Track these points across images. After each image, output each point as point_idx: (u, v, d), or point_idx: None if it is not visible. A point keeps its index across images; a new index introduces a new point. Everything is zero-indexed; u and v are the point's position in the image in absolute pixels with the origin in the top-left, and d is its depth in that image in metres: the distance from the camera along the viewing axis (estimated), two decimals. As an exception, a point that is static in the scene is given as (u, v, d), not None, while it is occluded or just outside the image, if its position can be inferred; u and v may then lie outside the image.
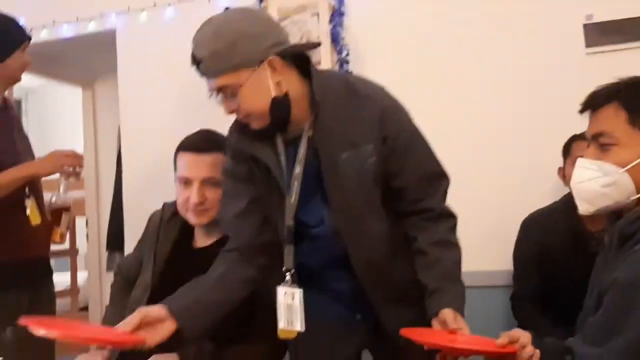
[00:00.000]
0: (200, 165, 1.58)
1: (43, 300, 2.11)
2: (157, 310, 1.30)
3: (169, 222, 1.72)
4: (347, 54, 2.42)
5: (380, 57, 2.44)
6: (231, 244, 1.45)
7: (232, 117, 1.41)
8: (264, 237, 1.44)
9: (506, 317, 2.17)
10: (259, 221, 1.44)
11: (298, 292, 1.34)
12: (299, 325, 1.33)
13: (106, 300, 3.27)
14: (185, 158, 1.61)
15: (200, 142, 1.61)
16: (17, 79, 2.14)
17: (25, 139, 2.17)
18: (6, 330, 1.92)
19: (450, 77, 2.36)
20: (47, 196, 2.14)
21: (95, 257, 3.84)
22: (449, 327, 1.21)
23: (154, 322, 1.28)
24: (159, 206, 1.81)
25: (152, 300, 1.60)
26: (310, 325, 1.34)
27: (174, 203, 1.74)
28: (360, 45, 2.45)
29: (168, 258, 1.67)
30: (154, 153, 2.71)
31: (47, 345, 2.09)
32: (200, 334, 1.37)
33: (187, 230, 1.70)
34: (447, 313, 1.23)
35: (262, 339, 1.50)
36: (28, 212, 2.03)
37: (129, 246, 2.77)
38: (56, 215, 2.11)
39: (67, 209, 2.17)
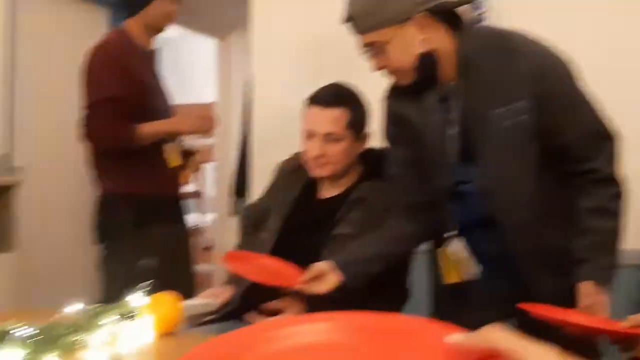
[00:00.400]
0: (323, 119, 1.61)
1: (179, 236, 2.32)
2: (324, 264, 1.42)
3: (297, 171, 1.78)
4: (485, 11, 2.31)
5: (522, 14, 2.30)
6: (393, 203, 1.52)
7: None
8: (423, 196, 1.46)
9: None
10: (419, 181, 1.47)
11: (463, 244, 1.37)
12: (467, 276, 1.39)
13: (229, 241, 3.48)
14: (311, 111, 1.65)
15: (327, 97, 1.64)
16: (161, 29, 2.27)
17: (163, 82, 2.35)
18: (146, 261, 2.13)
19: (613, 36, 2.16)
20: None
21: (221, 201, 4.06)
22: (582, 303, 1.17)
23: (320, 274, 1.41)
24: (285, 156, 1.87)
25: (278, 244, 1.68)
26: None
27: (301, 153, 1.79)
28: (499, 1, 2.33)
29: (295, 205, 1.73)
30: (283, 104, 2.78)
31: (186, 277, 2.31)
32: (362, 287, 1.46)
33: (314, 179, 1.75)
34: (586, 286, 1.18)
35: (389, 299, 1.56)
36: (166, 154, 2.21)
37: (254, 193, 2.89)
38: (185, 157, 2.30)
39: (194, 152, 2.36)
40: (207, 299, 1.73)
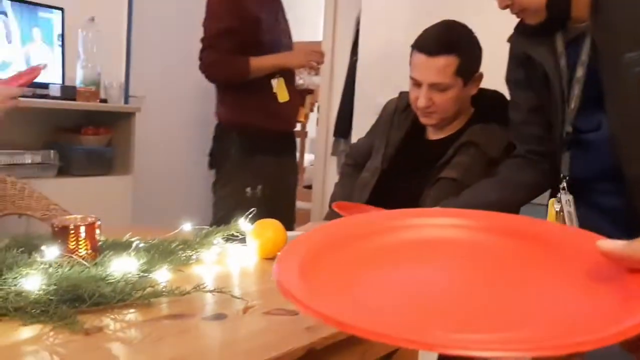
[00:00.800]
0: (429, 69, 1.54)
1: (287, 170, 2.41)
2: None
3: (403, 111, 1.74)
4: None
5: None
6: (516, 150, 1.47)
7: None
8: (544, 144, 1.40)
9: None
10: (540, 128, 1.40)
11: (572, 199, 1.30)
12: None
13: (328, 181, 3.53)
14: (417, 59, 1.57)
15: (434, 44, 1.55)
16: None
17: (286, 22, 2.38)
18: (257, 188, 2.25)
19: None
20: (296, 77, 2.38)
21: (322, 141, 4.09)
22: None
23: None
24: (390, 96, 1.83)
25: (380, 183, 1.68)
26: None
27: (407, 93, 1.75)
28: None
29: (400, 145, 1.70)
30: (390, 44, 2.72)
31: (288, 210, 2.44)
32: None
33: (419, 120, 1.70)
34: None
35: None
36: (275, 89, 2.26)
37: (356, 133, 2.89)
38: (301, 96, 2.36)
39: (311, 91, 2.40)
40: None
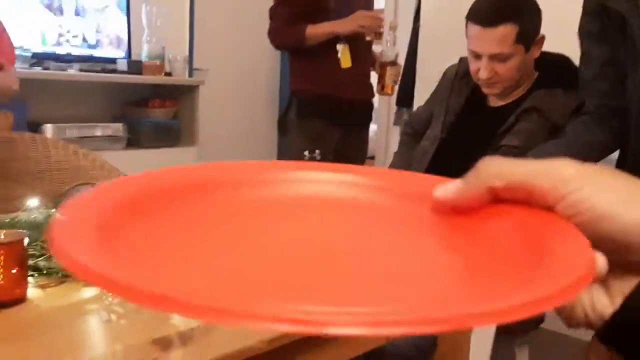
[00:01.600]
0: (487, 41, 1.48)
1: (352, 140, 2.41)
2: None
3: (463, 78, 1.69)
4: None
5: None
6: (584, 107, 1.40)
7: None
8: (619, 100, 1.33)
9: None
10: (612, 83, 1.32)
11: None
12: None
13: (390, 151, 3.49)
14: (473, 31, 1.50)
15: (490, 14, 1.48)
16: None
17: None
18: (314, 153, 2.28)
19: None
20: (378, 49, 2.39)
21: (384, 111, 4.05)
22: None
23: None
24: (453, 63, 1.78)
25: (439, 152, 1.65)
26: None
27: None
28: None
29: (460, 112, 1.66)
30: (453, 12, 2.64)
31: None
32: None
33: (481, 87, 1.65)
34: None
35: None
36: (339, 55, 2.26)
37: (418, 102, 2.84)
38: (382, 68, 2.35)
39: (392, 63, 2.37)
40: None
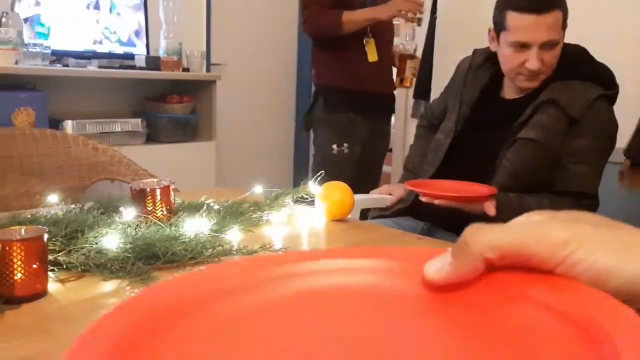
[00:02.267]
0: (540, 28, 1.44)
1: (378, 133, 2.44)
2: None
3: (478, 69, 1.68)
4: None
5: None
6: None
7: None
8: None
9: None
10: None
11: None
12: None
13: (408, 143, 3.48)
14: (522, 20, 1.45)
15: (539, 1, 1.45)
16: None
17: None
18: (343, 146, 2.31)
19: None
20: (397, 41, 2.39)
21: (402, 103, 4.04)
22: None
23: None
24: (469, 54, 1.77)
25: (454, 144, 1.64)
26: None
27: (485, 50, 1.68)
28: None
29: (474, 105, 1.66)
30: (470, 4, 2.62)
31: (374, 171, 2.51)
32: None
33: (497, 79, 1.64)
34: None
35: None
36: (366, 49, 2.28)
37: (435, 95, 2.83)
38: (401, 61, 2.37)
39: (411, 56, 2.38)
40: (382, 195, 1.78)
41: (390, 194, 1.76)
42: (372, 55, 2.30)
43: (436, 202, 1.38)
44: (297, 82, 3.75)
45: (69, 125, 2.35)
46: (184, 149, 2.69)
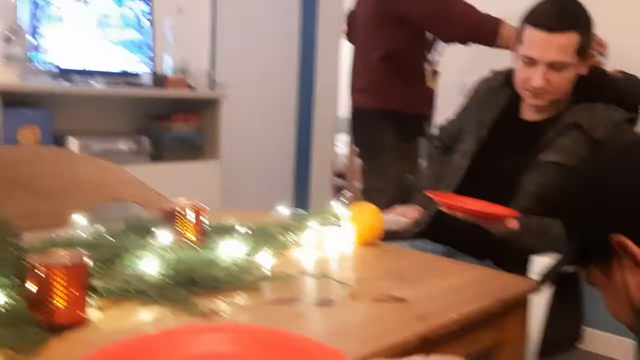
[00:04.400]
0: (549, 46, 1.43)
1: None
2: None
3: (497, 90, 1.67)
4: None
5: None
6: None
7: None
8: None
9: None
10: None
11: None
12: None
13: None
14: (534, 36, 1.45)
15: (554, 19, 1.43)
16: None
17: None
18: (407, 175, 2.22)
19: None
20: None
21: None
22: None
23: None
24: (476, 76, 1.77)
25: (473, 167, 1.63)
26: None
27: (504, 72, 1.68)
28: None
29: (493, 127, 1.64)
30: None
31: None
32: None
33: (515, 100, 1.63)
34: None
35: None
36: (428, 74, 2.27)
37: (439, 114, 2.82)
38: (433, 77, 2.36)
39: (434, 72, 2.37)
40: (397, 217, 1.75)
41: (404, 216, 1.74)
42: (430, 79, 2.27)
43: (459, 215, 1.36)
44: (298, 101, 3.75)
45: (74, 142, 2.32)
46: (189, 167, 2.66)
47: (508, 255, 1.44)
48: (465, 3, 2.05)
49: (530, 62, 1.47)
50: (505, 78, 1.66)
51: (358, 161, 2.68)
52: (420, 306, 0.81)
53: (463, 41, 2.11)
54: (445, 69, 2.88)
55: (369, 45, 2.24)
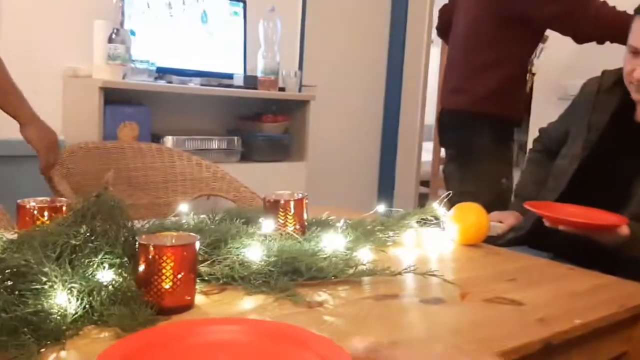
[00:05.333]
0: None
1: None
2: None
3: (608, 92, 1.57)
4: None
5: None
6: None
7: None
8: None
9: None
10: None
11: None
12: None
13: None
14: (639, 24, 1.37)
15: None
16: None
17: None
18: (510, 179, 2.15)
19: None
20: None
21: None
22: None
23: None
24: (575, 80, 1.67)
25: (580, 171, 1.53)
26: None
27: (615, 72, 1.57)
28: None
29: (604, 130, 1.54)
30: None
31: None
32: None
33: (629, 101, 1.52)
34: None
35: None
36: (528, 76, 2.21)
37: (536, 119, 2.70)
38: None
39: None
40: (493, 222, 1.67)
41: (500, 222, 1.66)
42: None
43: (561, 227, 1.27)
44: (384, 104, 3.71)
45: (169, 140, 2.38)
46: (276, 168, 2.68)
47: (619, 265, 1.34)
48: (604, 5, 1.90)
49: (636, 52, 1.37)
50: (616, 79, 1.55)
51: (443, 167, 2.57)
52: (539, 310, 0.75)
53: (599, 40, 1.96)
54: (541, 71, 2.76)
55: (477, 46, 2.15)
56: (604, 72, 1.62)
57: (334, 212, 1.13)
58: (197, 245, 0.72)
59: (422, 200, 3.97)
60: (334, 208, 1.21)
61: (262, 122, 2.73)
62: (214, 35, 2.67)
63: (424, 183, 4.29)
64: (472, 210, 1.09)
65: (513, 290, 0.82)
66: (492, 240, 1.66)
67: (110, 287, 0.69)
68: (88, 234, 0.74)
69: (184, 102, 2.64)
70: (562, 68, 2.52)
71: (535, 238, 1.54)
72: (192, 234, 0.75)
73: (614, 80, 1.57)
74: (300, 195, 0.98)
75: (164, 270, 0.69)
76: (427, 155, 4.25)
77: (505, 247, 1.60)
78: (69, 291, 0.66)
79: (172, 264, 0.69)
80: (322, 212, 1.13)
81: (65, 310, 0.63)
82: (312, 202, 2.84)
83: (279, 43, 2.72)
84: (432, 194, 4.31)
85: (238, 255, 0.80)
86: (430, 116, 4.05)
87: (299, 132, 2.79)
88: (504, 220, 1.66)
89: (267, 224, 0.91)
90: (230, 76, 2.63)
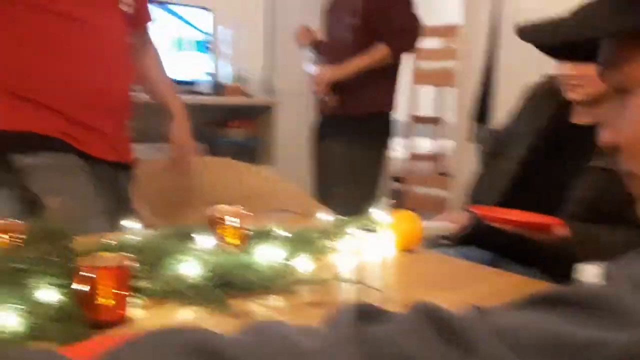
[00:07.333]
0: None
1: None
2: None
3: (547, 95, 1.65)
4: None
5: None
6: None
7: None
8: None
9: None
10: None
11: None
12: None
13: (465, 168, 3.43)
14: None
15: None
16: None
17: None
18: None
19: None
20: None
21: (461, 127, 3.98)
22: None
23: None
24: (533, 79, 1.74)
25: (523, 173, 1.61)
26: None
27: (553, 76, 1.65)
28: None
29: (544, 132, 1.62)
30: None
31: None
32: None
33: (567, 104, 1.60)
34: None
35: None
36: None
37: (497, 118, 2.78)
38: None
39: None
40: (445, 223, 1.74)
41: (451, 222, 1.73)
42: None
43: (496, 225, 1.35)
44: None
45: (138, 148, 2.42)
46: (244, 172, 2.73)
47: (555, 263, 1.41)
48: None
49: None
50: (556, 83, 1.63)
51: (419, 166, 2.63)
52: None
53: None
54: (505, 73, 2.85)
55: None
56: (544, 77, 1.70)
57: (281, 220, 1.19)
58: (129, 265, 0.78)
59: (396, 197, 4.04)
60: (283, 215, 1.27)
61: (228, 127, 2.78)
62: (181, 43, 2.71)
63: (398, 180, 4.36)
64: (407, 218, 1.16)
65: (430, 294, 0.89)
66: (443, 240, 1.73)
67: (51, 305, 0.75)
68: (32, 257, 0.80)
69: (148, 109, 2.69)
70: (525, 68, 2.61)
71: (479, 238, 1.62)
72: (125, 254, 0.81)
73: (551, 84, 1.65)
74: (239, 209, 1.04)
75: (98, 289, 0.75)
76: (398, 151, 4.32)
77: (454, 247, 1.68)
78: (11, 311, 0.72)
79: (105, 283, 0.75)
80: (270, 220, 1.18)
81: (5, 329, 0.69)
82: (283, 206, 2.83)
83: (244, 49, 2.78)
84: (405, 190, 4.37)
85: (175, 270, 0.86)
86: (401, 112, 4.11)
87: (266, 137, 2.85)
88: (457, 221, 1.73)
89: (205, 239, 0.97)
90: (195, 83, 2.69)
